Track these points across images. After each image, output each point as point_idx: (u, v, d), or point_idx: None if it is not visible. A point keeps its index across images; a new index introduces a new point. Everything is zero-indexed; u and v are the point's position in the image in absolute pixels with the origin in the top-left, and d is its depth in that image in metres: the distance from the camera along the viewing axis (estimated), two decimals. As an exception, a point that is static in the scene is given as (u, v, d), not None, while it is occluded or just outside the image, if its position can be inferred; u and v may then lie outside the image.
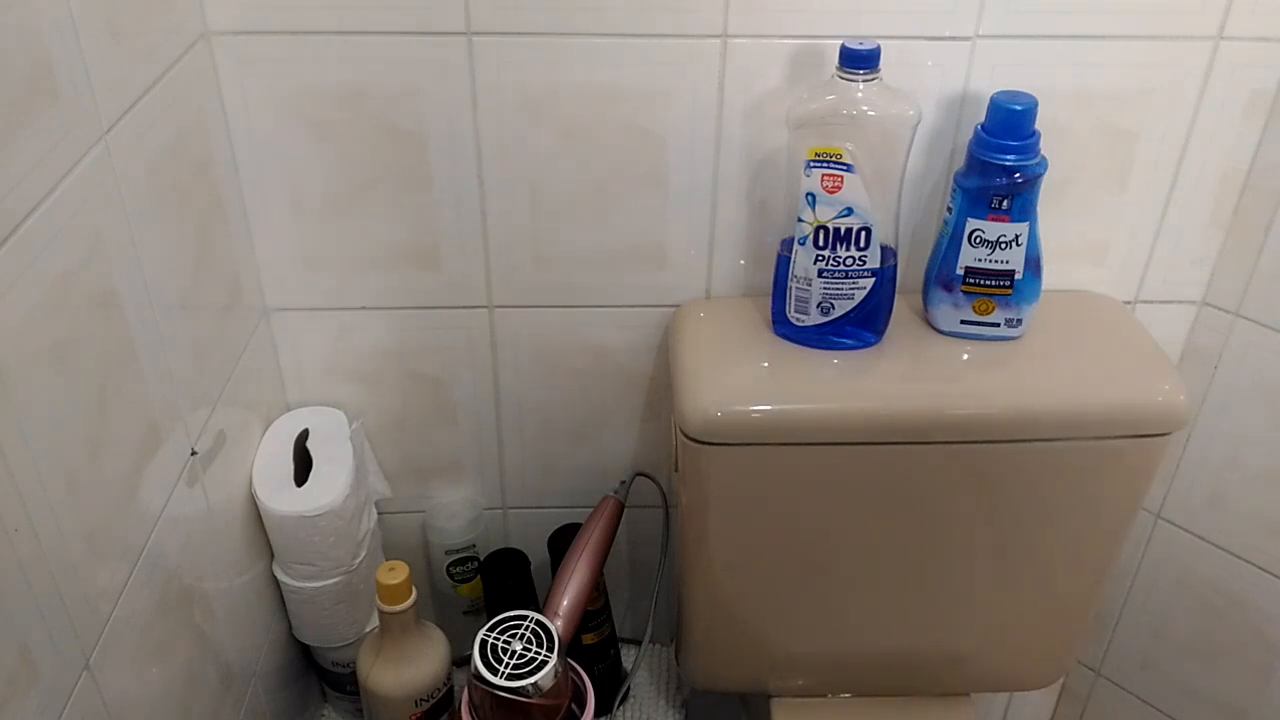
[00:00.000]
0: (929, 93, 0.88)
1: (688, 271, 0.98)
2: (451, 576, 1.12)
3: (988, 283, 0.89)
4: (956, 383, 0.90)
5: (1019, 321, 0.91)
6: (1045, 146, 0.85)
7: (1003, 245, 0.87)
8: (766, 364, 0.92)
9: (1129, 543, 1.10)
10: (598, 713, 0.95)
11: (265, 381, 0.99)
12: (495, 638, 0.88)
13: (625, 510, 1.03)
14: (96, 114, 0.66)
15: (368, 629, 1.01)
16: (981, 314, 0.91)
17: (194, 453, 0.81)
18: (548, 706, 0.87)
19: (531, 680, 0.85)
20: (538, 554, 1.11)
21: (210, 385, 0.85)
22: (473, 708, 0.89)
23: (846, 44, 0.80)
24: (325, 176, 0.91)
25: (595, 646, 1.10)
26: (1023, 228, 0.87)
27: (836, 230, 0.85)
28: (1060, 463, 0.88)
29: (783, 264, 0.90)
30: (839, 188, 0.83)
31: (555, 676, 0.86)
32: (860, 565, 0.95)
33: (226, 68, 0.85)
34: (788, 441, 0.87)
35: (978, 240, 0.87)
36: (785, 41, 0.86)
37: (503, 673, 0.85)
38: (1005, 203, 0.86)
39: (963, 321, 0.92)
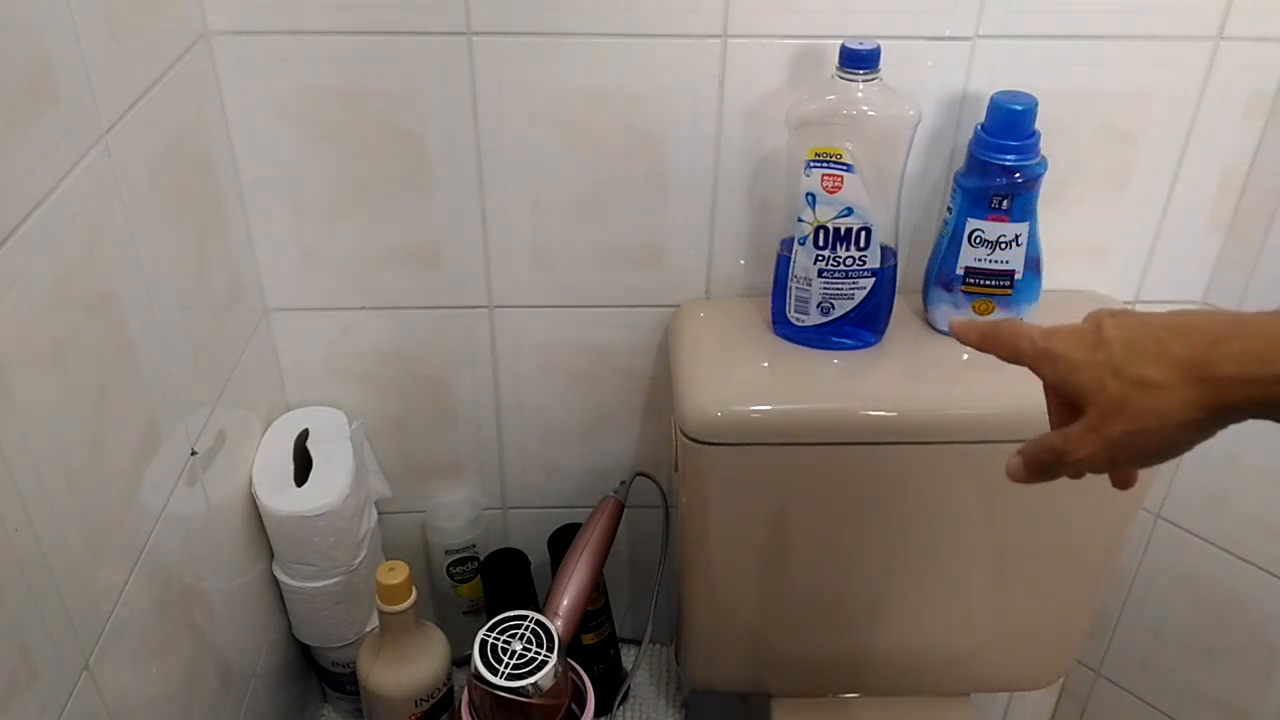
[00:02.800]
0: (929, 93, 0.88)
1: (688, 271, 0.98)
2: (451, 576, 1.12)
3: (988, 283, 0.89)
4: (956, 383, 0.90)
5: (1019, 321, 0.91)
6: (1045, 146, 0.85)
7: (1003, 245, 0.87)
8: (766, 364, 0.92)
9: (1129, 543, 1.10)
10: (598, 713, 0.95)
11: (265, 381, 0.99)
12: (495, 638, 0.88)
13: (625, 510, 1.03)
14: (96, 114, 0.66)
15: (368, 629, 1.01)
16: (981, 314, 0.91)
17: (194, 453, 0.81)
18: (548, 706, 0.87)
19: (531, 680, 0.85)
20: (538, 554, 1.11)
21: (210, 385, 0.85)
22: (473, 708, 0.89)
23: (846, 44, 0.80)
24: (325, 176, 0.91)
25: (595, 646, 1.10)
26: (1023, 228, 0.87)
27: (836, 230, 0.85)
28: (1060, 463, 0.88)
29: (783, 264, 0.90)
30: (839, 188, 0.83)
31: (555, 676, 0.86)
32: (860, 565, 0.95)
33: (226, 68, 0.85)
34: (788, 441, 0.87)
35: (978, 240, 0.87)
36: (785, 41, 0.86)
37: (503, 673, 0.85)
38: (1005, 203, 0.86)
39: (963, 321, 0.92)
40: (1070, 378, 0.53)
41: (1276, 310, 0.48)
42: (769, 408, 0.87)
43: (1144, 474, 0.90)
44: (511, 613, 0.90)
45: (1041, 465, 0.56)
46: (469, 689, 0.89)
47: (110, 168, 0.67)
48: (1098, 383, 0.51)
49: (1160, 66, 0.88)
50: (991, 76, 0.88)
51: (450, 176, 0.91)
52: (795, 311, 0.91)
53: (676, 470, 0.93)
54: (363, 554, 0.97)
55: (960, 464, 0.88)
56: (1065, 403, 0.55)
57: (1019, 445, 0.58)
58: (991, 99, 0.84)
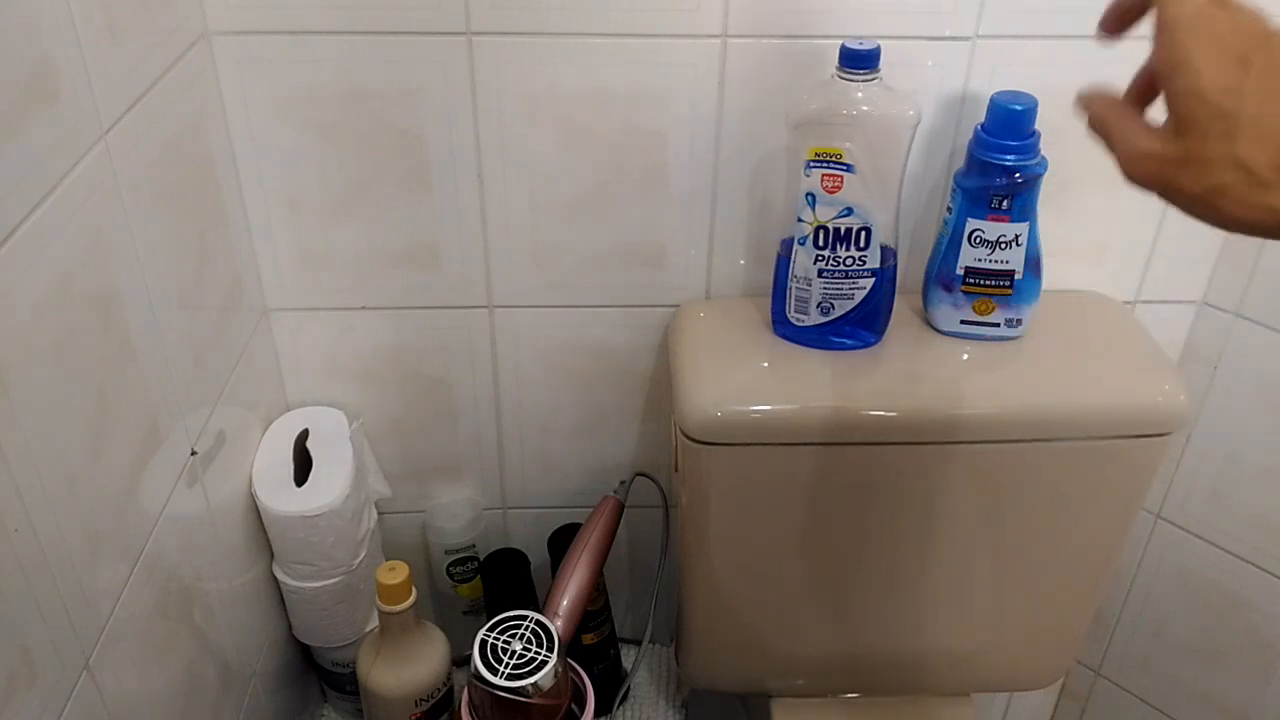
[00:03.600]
0: (929, 93, 0.88)
1: (688, 271, 0.98)
2: (451, 576, 1.12)
3: (988, 283, 0.89)
4: (956, 383, 0.90)
5: (1019, 322, 0.91)
6: (1045, 146, 0.85)
7: (1003, 245, 0.87)
8: (766, 364, 0.92)
9: (1129, 543, 1.10)
10: (598, 713, 0.95)
11: (265, 381, 0.99)
12: (495, 638, 0.88)
13: (625, 510, 1.03)
14: (96, 114, 0.66)
15: (368, 629, 1.01)
16: (981, 314, 0.91)
17: (194, 453, 0.81)
18: (548, 706, 0.87)
19: (531, 680, 0.85)
20: (538, 554, 1.11)
21: (210, 385, 0.85)
22: (473, 708, 0.89)
23: (846, 44, 0.80)
24: (325, 176, 0.91)
25: (595, 646, 1.10)
26: (1023, 228, 0.87)
27: (836, 230, 0.85)
28: (1060, 463, 0.88)
29: (783, 264, 0.90)
30: (839, 188, 0.83)
31: (555, 676, 0.86)
32: (860, 565, 0.95)
33: (226, 68, 0.85)
34: (788, 441, 0.87)
35: (978, 240, 0.87)
36: (785, 41, 0.86)
37: (503, 673, 0.85)
38: (1005, 203, 0.86)
39: (963, 321, 0.92)
40: (1180, 98, 0.45)
41: None
42: (769, 408, 0.87)
43: (1144, 473, 0.90)
44: (511, 613, 0.90)
45: (1101, 130, 0.49)
46: (469, 689, 0.89)
47: (110, 168, 0.67)
48: (1200, 127, 0.44)
49: (1160, 66, 0.88)
50: (991, 76, 0.88)
51: (450, 176, 0.91)
52: (795, 311, 0.91)
53: (676, 470, 0.93)
54: (363, 554, 0.97)
55: (960, 464, 0.88)
56: (1147, 87, 0.49)
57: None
58: (991, 99, 0.84)
